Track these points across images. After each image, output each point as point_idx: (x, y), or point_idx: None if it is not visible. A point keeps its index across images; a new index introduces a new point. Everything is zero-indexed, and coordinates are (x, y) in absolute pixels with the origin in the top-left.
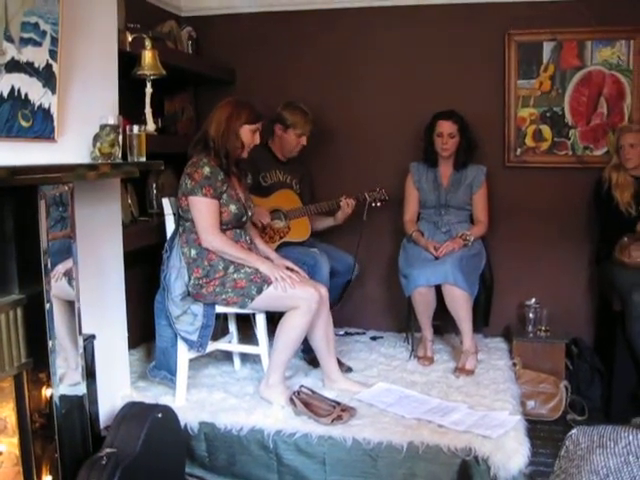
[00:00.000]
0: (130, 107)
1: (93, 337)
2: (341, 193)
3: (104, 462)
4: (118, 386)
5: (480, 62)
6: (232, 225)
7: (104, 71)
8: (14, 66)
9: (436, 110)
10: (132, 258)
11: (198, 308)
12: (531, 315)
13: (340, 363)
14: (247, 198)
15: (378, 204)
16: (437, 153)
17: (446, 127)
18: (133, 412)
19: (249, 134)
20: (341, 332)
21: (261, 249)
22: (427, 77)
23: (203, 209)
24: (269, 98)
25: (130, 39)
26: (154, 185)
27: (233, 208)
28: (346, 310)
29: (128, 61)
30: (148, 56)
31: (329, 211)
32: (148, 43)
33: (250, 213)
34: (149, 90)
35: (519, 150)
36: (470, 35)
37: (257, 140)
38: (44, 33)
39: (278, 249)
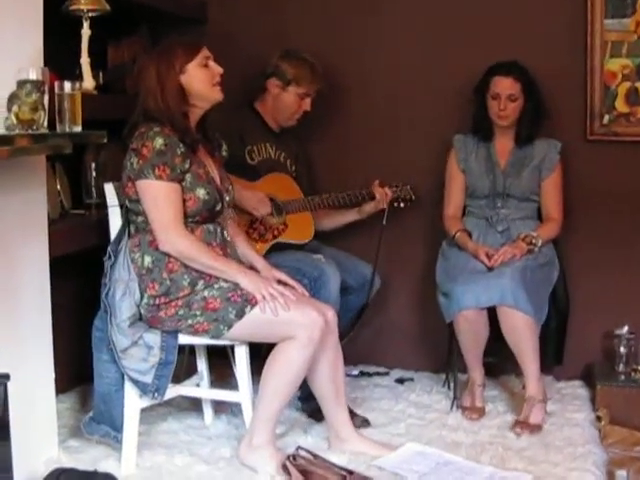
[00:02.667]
0: (60, 56)
1: (6, 377)
2: (350, 181)
3: None
4: (41, 446)
5: None
6: (202, 218)
7: (23, 5)
8: None
9: (491, 62)
10: (61, 267)
11: (154, 338)
12: (622, 349)
13: (353, 414)
14: (223, 177)
15: (401, 205)
16: (492, 122)
17: (505, 86)
18: None
19: (202, 71)
20: (355, 372)
21: (243, 253)
22: (478, 15)
23: (158, 197)
24: (255, 45)
25: None
26: (93, 165)
27: (202, 193)
28: (362, 341)
29: None
30: None
31: (349, 204)
32: None
33: (228, 198)
34: (86, 32)
35: (607, 118)
36: None
37: (217, 70)
38: None
39: (269, 253)
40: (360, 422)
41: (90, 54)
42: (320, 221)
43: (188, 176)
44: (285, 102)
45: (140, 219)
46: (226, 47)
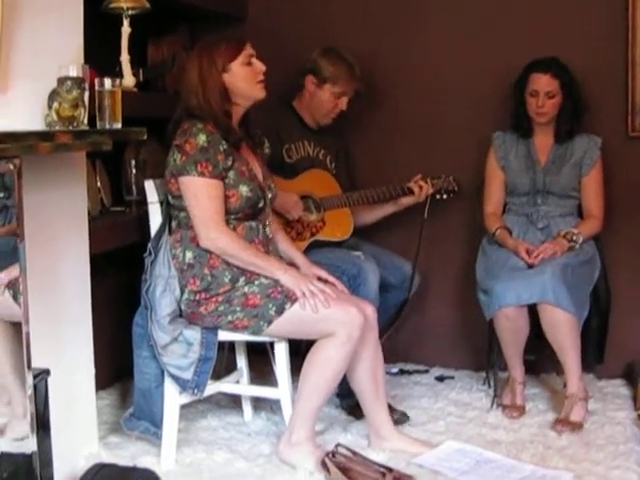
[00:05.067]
0: (100, 54)
1: (47, 373)
2: (391, 178)
3: None
4: (81, 441)
5: None
6: (244, 215)
7: (64, 3)
8: None
9: (529, 58)
10: (102, 264)
11: (194, 334)
12: None
13: (392, 409)
14: (266, 175)
15: (444, 197)
16: (531, 118)
17: (543, 83)
18: (102, 478)
19: (246, 70)
20: (394, 370)
21: (283, 250)
22: (517, 12)
23: (200, 194)
24: (294, 43)
25: None
26: (133, 162)
27: (244, 190)
28: (402, 339)
29: None
30: None
31: (389, 198)
32: None
33: (271, 195)
34: (126, 30)
35: None
36: None
37: (261, 67)
38: None
39: (307, 251)
40: (399, 416)
41: (130, 52)
42: (358, 216)
43: (231, 173)
44: (321, 100)
45: (182, 215)
46: (266, 45)
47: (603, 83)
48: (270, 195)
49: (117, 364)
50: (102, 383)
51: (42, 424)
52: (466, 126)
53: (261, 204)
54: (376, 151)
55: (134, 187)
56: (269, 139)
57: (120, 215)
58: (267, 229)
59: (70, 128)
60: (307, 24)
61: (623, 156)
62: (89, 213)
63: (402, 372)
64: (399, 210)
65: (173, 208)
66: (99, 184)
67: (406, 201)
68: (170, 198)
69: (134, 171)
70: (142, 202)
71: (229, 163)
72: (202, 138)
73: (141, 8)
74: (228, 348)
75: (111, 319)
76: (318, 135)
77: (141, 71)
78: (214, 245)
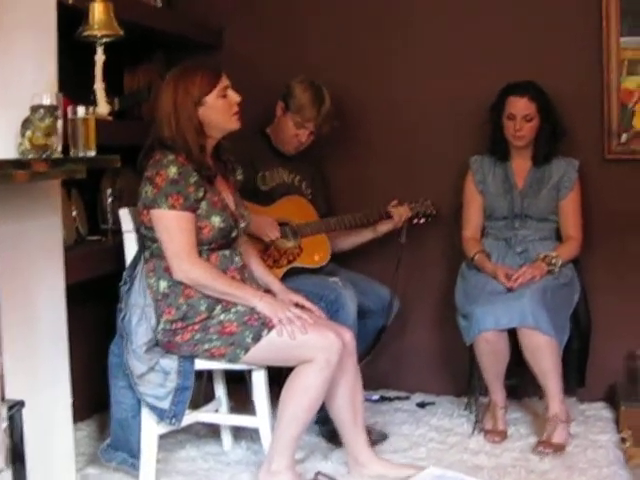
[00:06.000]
0: (76, 83)
1: (22, 404)
2: (368, 202)
3: None
4: (59, 474)
5: (568, 12)
6: (217, 245)
7: (36, 31)
8: None
9: (505, 82)
10: (78, 293)
11: (170, 363)
12: None
13: (369, 431)
14: (238, 203)
15: (421, 221)
16: (508, 142)
17: (520, 106)
18: None
19: (221, 102)
20: (375, 396)
21: (259, 276)
22: (493, 36)
23: (171, 227)
24: (270, 71)
25: None
26: (109, 191)
27: (217, 221)
28: (382, 365)
29: (72, 17)
30: (99, 10)
31: (366, 223)
32: None
33: (243, 224)
34: (100, 57)
35: (625, 136)
36: None
37: (236, 99)
38: None
39: (285, 278)
40: (376, 437)
41: (106, 80)
42: (336, 242)
43: (203, 204)
44: (283, 126)
45: (155, 245)
46: (241, 73)
47: (579, 107)
48: (243, 224)
49: (96, 395)
50: (81, 414)
51: (17, 456)
52: (443, 151)
53: (234, 233)
54: (353, 176)
55: (110, 216)
56: (243, 166)
57: (96, 244)
58: (241, 257)
59: (44, 157)
60: (283, 52)
61: (600, 179)
62: (64, 242)
63: (383, 399)
64: (377, 237)
65: (146, 239)
66: (75, 213)
67: (384, 227)
68: (143, 229)
69: (110, 200)
70: (118, 231)
71: (200, 194)
72: (173, 170)
73: (114, 36)
74: (206, 377)
75: (89, 349)
76: (293, 161)
77: (117, 100)
78: (187, 277)
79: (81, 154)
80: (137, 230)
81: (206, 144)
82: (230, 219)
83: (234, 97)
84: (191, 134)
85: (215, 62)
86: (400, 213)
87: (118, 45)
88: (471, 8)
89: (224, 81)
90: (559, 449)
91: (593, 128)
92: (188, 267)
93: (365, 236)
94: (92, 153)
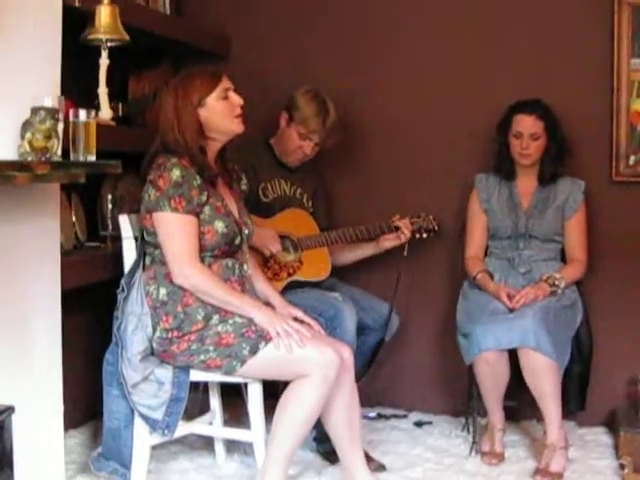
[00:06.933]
0: (78, 85)
1: (12, 410)
2: (370, 217)
3: None
4: None
5: (579, 32)
6: (220, 252)
7: (41, 33)
8: None
9: (512, 100)
10: (74, 300)
11: (165, 373)
12: None
13: (369, 458)
14: (242, 211)
15: (423, 236)
16: (514, 161)
17: (527, 124)
18: None
19: (222, 104)
20: (372, 414)
21: (259, 289)
22: (502, 54)
23: (173, 230)
24: (276, 81)
25: None
26: (110, 197)
27: (220, 226)
28: (380, 382)
29: (77, 20)
30: (105, 13)
31: (368, 237)
32: None
33: (247, 232)
34: (105, 62)
35: (633, 158)
36: None
37: (238, 101)
38: None
39: (284, 292)
40: (375, 467)
41: (111, 86)
42: (337, 256)
43: (206, 208)
44: (287, 137)
45: (157, 252)
46: (249, 82)
47: (588, 128)
48: (247, 231)
49: (90, 402)
50: (74, 421)
51: (6, 462)
52: (448, 168)
53: (237, 240)
54: (356, 191)
55: (110, 222)
56: (247, 176)
57: (94, 250)
58: (244, 267)
59: (43, 159)
60: (289, 63)
61: (606, 200)
62: (62, 247)
63: (380, 416)
64: (379, 252)
65: (148, 245)
66: (74, 218)
67: (388, 244)
68: (145, 234)
69: (110, 206)
70: (118, 238)
71: (203, 199)
72: (176, 173)
73: (120, 40)
74: (202, 389)
75: (85, 356)
76: (295, 173)
77: (121, 105)
78: (187, 282)
79: (81, 158)
80: (136, 237)
81: (207, 146)
82: (234, 225)
83: (236, 99)
84: (190, 134)
85: (219, 70)
86: (403, 228)
87: (125, 51)
88: (481, 24)
89: (225, 83)
90: (557, 477)
91: (601, 149)
92: (190, 272)
93: (367, 251)
94: (92, 158)
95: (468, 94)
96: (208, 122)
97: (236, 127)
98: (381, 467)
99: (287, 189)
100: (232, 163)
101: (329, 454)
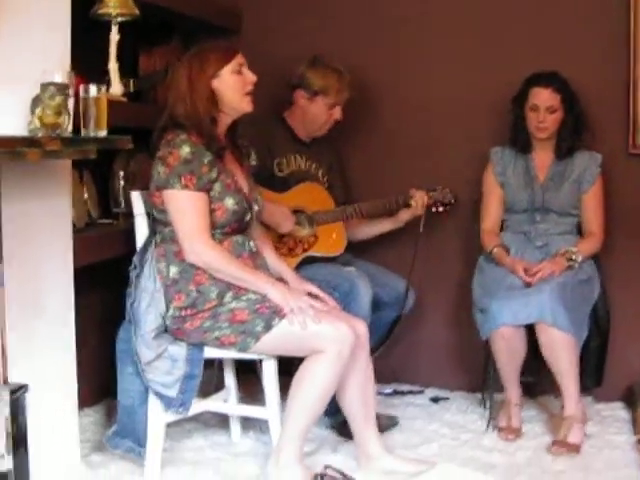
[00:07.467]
0: (88, 61)
1: (25, 389)
2: (386, 191)
3: None
4: (62, 461)
5: (594, 4)
6: (231, 229)
7: (51, 8)
8: None
9: (528, 73)
10: (87, 277)
11: (179, 350)
12: None
13: (378, 416)
14: (252, 187)
15: (440, 209)
16: (530, 134)
17: (544, 97)
18: None
19: (235, 78)
20: (387, 390)
21: (272, 265)
22: (517, 25)
23: (184, 207)
24: (287, 56)
25: None
26: (122, 174)
27: (230, 203)
28: (395, 358)
29: None
30: None
31: (384, 212)
32: None
33: (257, 208)
34: (115, 37)
35: None
36: None
37: (251, 78)
38: None
39: (299, 267)
40: (385, 422)
41: (122, 62)
42: (353, 231)
43: (217, 185)
44: (314, 113)
45: (167, 229)
46: (259, 58)
47: (604, 100)
48: (257, 208)
49: (105, 380)
50: (88, 400)
51: (19, 442)
52: (463, 141)
53: (248, 217)
54: (371, 165)
55: (122, 199)
56: (260, 152)
57: (107, 227)
58: (254, 243)
59: (54, 135)
60: (300, 38)
61: (623, 173)
62: (75, 225)
63: (396, 392)
64: (398, 227)
65: (158, 223)
66: (86, 195)
67: (406, 215)
68: (155, 212)
69: (122, 183)
70: (130, 214)
71: (214, 175)
72: (186, 150)
73: (130, 15)
74: (216, 366)
75: (99, 334)
76: (310, 148)
77: (132, 81)
78: (200, 259)
79: (92, 134)
80: (149, 214)
81: (218, 118)
82: (244, 202)
83: (250, 76)
84: (203, 103)
85: (233, 44)
86: (419, 199)
87: (135, 26)
88: None
89: (240, 58)
90: (574, 450)
91: (618, 122)
92: (201, 249)
93: (384, 226)
94: (103, 133)
95: (483, 67)
96: (220, 94)
97: (246, 105)
98: (392, 420)
99: (302, 164)
100: (245, 138)
101: (343, 429)
